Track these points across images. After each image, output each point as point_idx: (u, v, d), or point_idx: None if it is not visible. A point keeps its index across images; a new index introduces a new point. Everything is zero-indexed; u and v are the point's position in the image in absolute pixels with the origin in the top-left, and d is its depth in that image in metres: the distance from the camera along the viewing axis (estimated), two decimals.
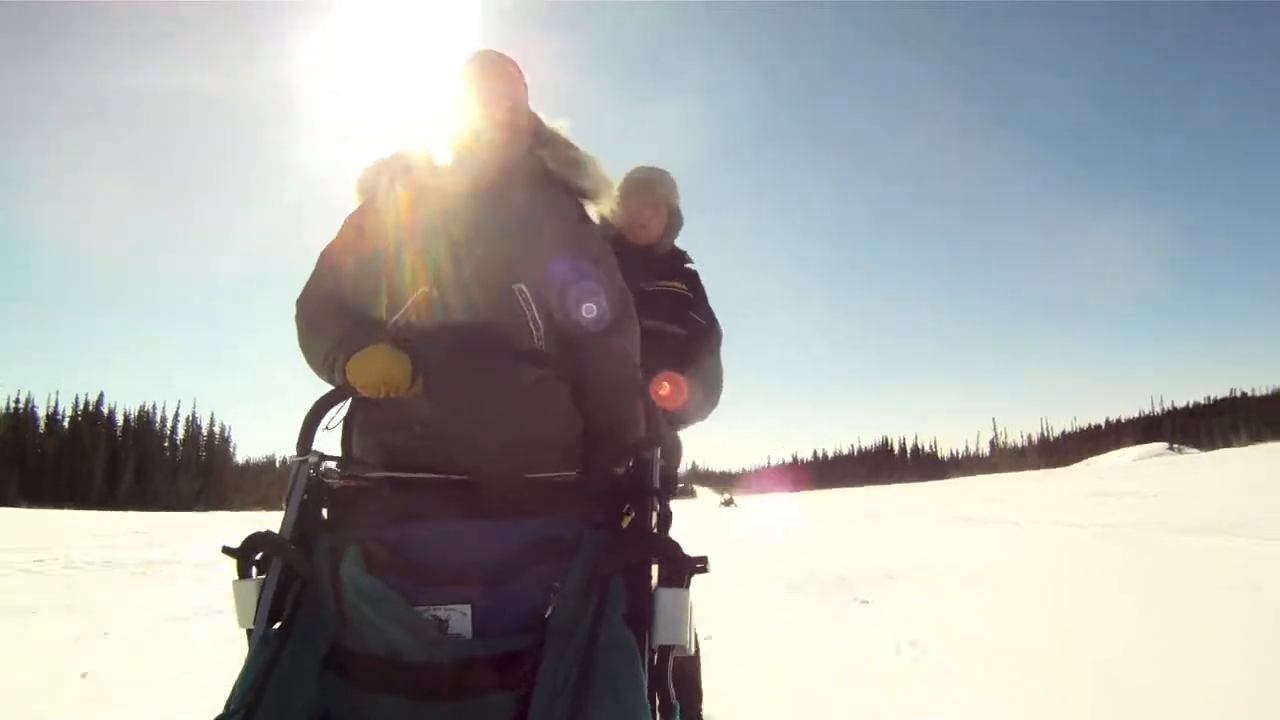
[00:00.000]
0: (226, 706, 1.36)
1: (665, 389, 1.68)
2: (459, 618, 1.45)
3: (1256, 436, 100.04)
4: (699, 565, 1.48)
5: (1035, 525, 13.19)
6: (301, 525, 1.58)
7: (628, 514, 1.58)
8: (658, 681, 1.42)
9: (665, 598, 1.45)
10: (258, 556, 1.55)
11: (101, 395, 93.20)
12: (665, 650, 1.45)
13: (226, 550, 1.56)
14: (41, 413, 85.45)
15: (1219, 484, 19.43)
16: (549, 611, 1.42)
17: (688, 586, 1.48)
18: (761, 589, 6.97)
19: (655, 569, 1.52)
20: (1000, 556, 8.81)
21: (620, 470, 1.66)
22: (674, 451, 2.39)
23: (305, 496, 1.60)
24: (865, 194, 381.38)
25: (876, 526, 15.85)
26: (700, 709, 2.66)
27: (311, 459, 1.62)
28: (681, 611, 1.44)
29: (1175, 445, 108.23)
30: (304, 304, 1.82)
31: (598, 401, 1.68)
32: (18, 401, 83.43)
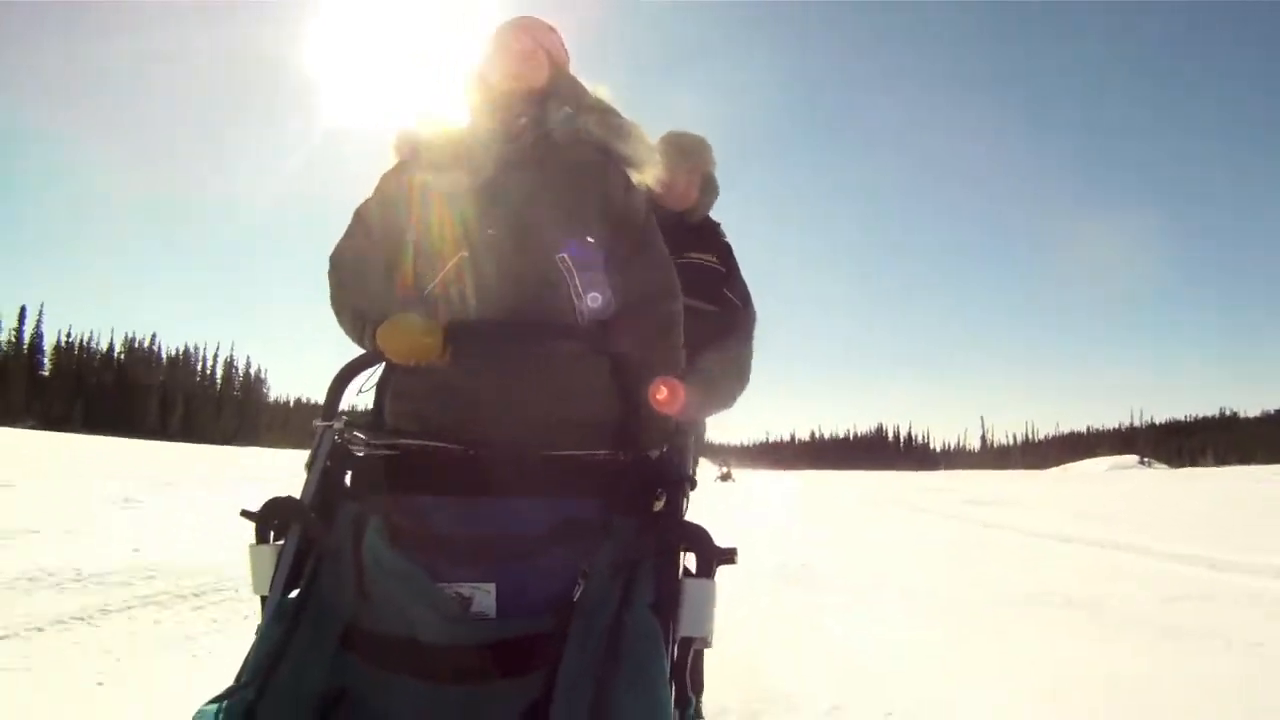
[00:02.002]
0: (238, 678, 1.28)
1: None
2: (483, 596, 1.36)
3: (1221, 460, 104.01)
4: (727, 556, 1.41)
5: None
6: (324, 492, 1.50)
7: (659, 498, 1.49)
8: (677, 673, 1.35)
9: (692, 588, 1.40)
10: (276, 522, 1.48)
11: (154, 335, 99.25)
12: (687, 642, 1.39)
13: (246, 514, 1.49)
14: (102, 348, 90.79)
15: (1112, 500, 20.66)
16: (577, 594, 1.33)
17: (714, 578, 1.42)
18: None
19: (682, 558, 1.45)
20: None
21: (654, 454, 1.57)
22: (699, 437, 2.24)
23: (328, 463, 1.52)
24: (873, 185, 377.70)
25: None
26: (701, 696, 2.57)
27: (336, 424, 1.54)
28: (708, 604, 1.40)
29: (1146, 459, 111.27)
30: (337, 262, 1.72)
31: (639, 379, 1.54)
32: (69, 338, 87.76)
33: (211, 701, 1.22)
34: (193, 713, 1.20)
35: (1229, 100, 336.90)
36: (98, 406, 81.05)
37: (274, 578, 1.41)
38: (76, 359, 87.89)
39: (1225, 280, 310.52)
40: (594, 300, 1.56)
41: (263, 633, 1.35)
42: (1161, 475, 54.63)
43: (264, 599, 1.42)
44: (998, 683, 3.35)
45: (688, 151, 2.31)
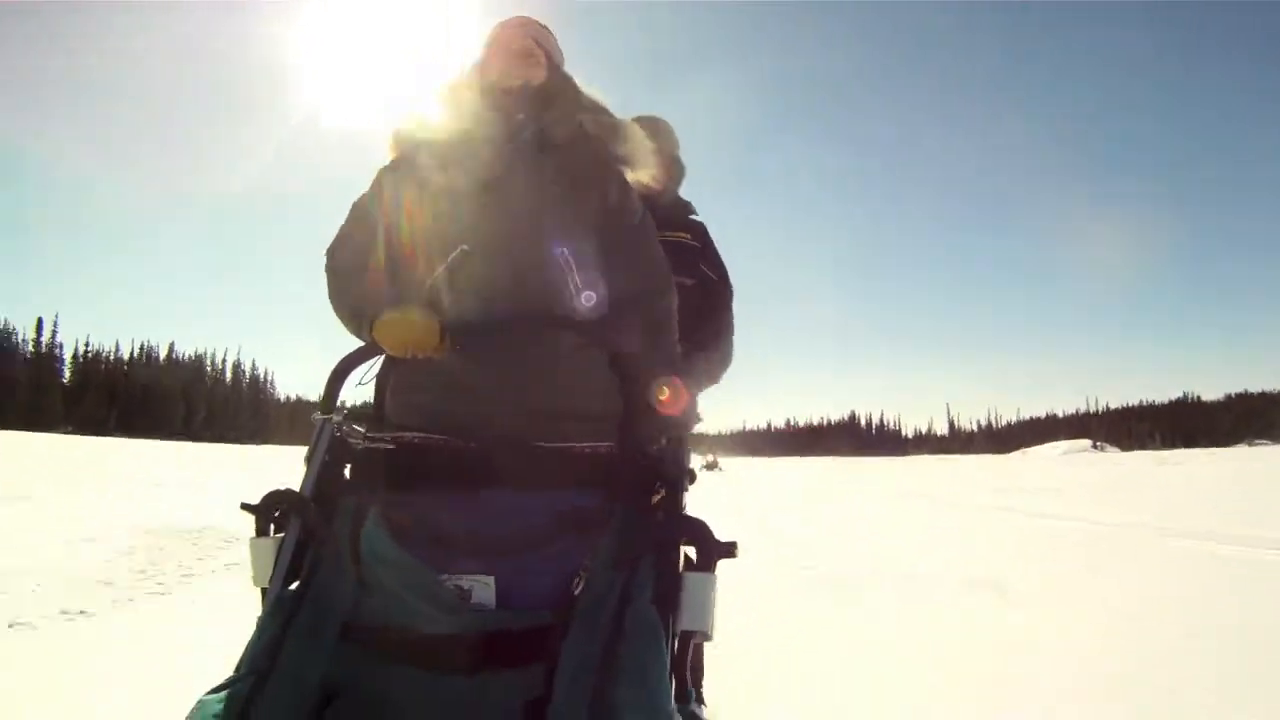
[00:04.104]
0: (237, 670, 1.24)
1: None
2: (482, 588, 1.32)
3: (1167, 442, 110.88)
4: (728, 551, 1.38)
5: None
6: (323, 485, 1.45)
7: (658, 492, 1.46)
8: (677, 666, 1.32)
9: (693, 582, 1.35)
10: (276, 514, 1.43)
11: (172, 344, 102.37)
12: (688, 636, 1.35)
13: (246, 507, 1.44)
14: (124, 355, 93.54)
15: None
16: (578, 587, 1.30)
17: (715, 571, 1.38)
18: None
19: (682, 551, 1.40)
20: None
21: (653, 448, 1.52)
22: (695, 417, 2.12)
23: (327, 456, 1.47)
24: (852, 179, 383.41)
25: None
26: (701, 688, 2.38)
27: (335, 417, 1.49)
28: (708, 598, 1.35)
29: (1099, 444, 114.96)
30: (334, 255, 1.67)
31: (637, 373, 1.51)
32: (88, 347, 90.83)
33: (212, 691, 1.19)
34: (194, 702, 1.17)
35: (1190, 87, 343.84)
36: (128, 412, 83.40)
37: (274, 570, 1.37)
38: (104, 367, 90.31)
39: (1189, 267, 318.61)
40: (588, 299, 1.52)
41: (262, 623, 1.31)
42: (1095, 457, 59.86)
43: (264, 591, 1.38)
44: None
45: (650, 136, 2.09)
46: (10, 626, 3.69)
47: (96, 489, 12.01)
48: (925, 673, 3.29)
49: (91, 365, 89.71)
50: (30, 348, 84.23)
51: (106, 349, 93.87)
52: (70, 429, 65.85)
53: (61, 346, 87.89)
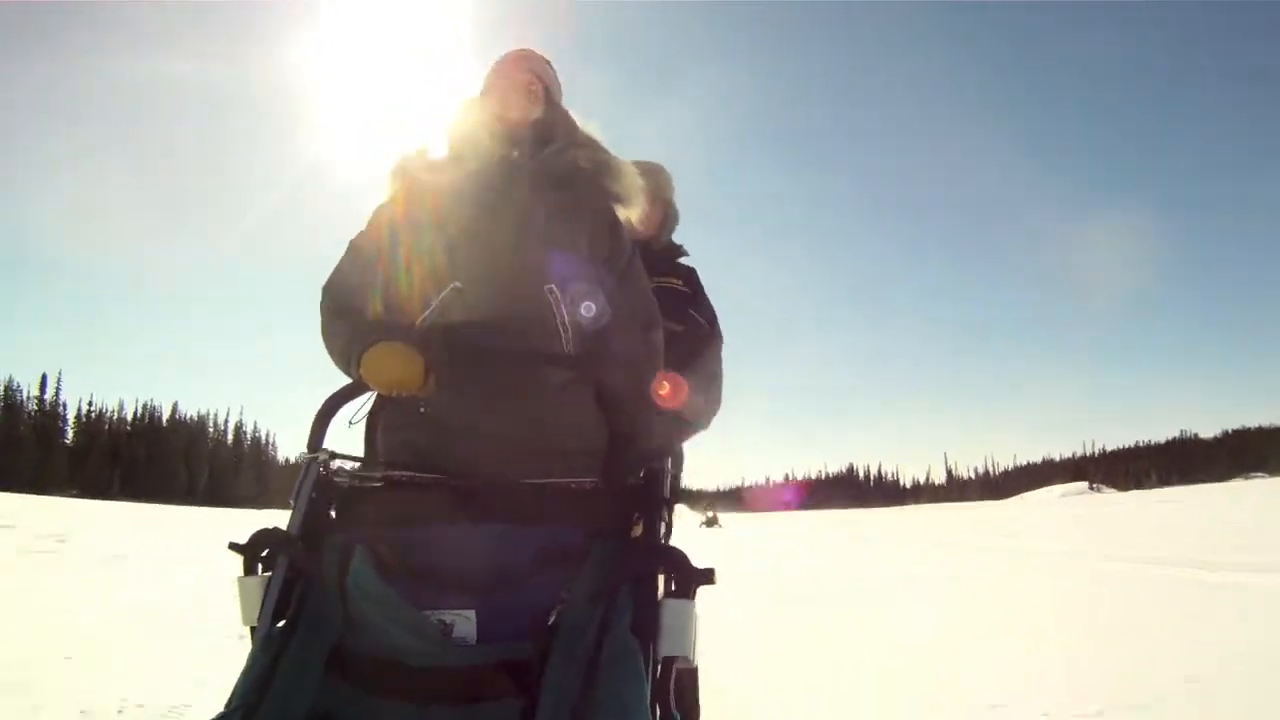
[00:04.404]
0: (228, 705, 1.25)
1: (665, 388, 1.53)
2: (464, 622, 1.34)
3: (1164, 480, 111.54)
4: (706, 577, 1.38)
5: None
6: (309, 524, 1.46)
7: (636, 523, 1.48)
8: (660, 693, 1.32)
9: (671, 609, 1.35)
10: (264, 554, 1.43)
11: (175, 404, 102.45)
12: (669, 662, 1.35)
13: (234, 547, 1.44)
14: (128, 415, 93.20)
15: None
16: (553, 618, 1.32)
17: (694, 598, 1.38)
18: None
19: (661, 580, 1.41)
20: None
21: (631, 480, 1.53)
22: (679, 461, 2.24)
23: (314, 495, 1.48)
24: (843, 221, 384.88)
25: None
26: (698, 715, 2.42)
27: (321, 456, 1.50)
28: (687, 623, 1.36)
29: (1095, 485, 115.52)
30: (330, 292, 1.68)
31: (621, 409, 1.54)
32: (90, 405, 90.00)
33: None
34: None
35: (1186, 118, 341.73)
36: (131, 474, 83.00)
37: (262, 608, 1.37)
38: (108, 428, 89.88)
39: (1185, 301, 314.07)
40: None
41: (252, 658, 1.31)
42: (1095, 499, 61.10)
43: (253, 630, 1.38)
44: None
45: (647, 181, 2.13)
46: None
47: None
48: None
49: (95, 425, 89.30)
50: (34, 405, 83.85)
51: (109, 408, 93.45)
52: (75, 492, 66.21)
53: (65, 405, 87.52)
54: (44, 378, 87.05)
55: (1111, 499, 60.57)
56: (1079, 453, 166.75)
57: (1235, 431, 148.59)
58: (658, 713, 1.31)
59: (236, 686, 1.29)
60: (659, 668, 1.33)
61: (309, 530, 1.46)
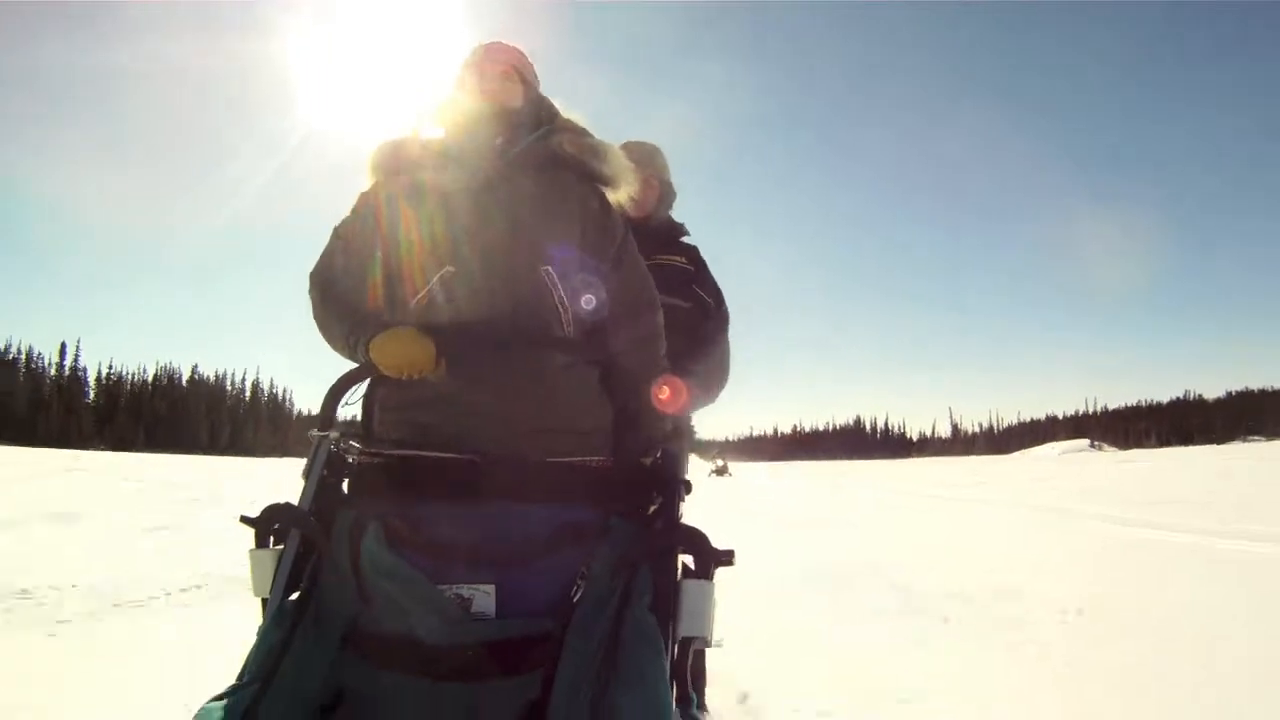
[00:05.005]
0: (239, 677, 1.24)
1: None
2: (483, 597, 1.32)
3: (1164, 440, 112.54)
4: (725, 558, 1.37)
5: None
6: (321, 500, 1.45)
7: (654, 502, 1.47)
8: (677, 672, 1.31)
9: (691, 589, 1.35)
10: (275, 527, 1.42)
11: (195, 366, 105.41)
12: (687, 642, 1.35)
13: (245, 520, 1.43)
14: (149, 378, 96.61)
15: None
16: (576, 595, 1.30)
17: (713, 579, 1.37)
18: None
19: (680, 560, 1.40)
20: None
21: (647, 460, 1.53)
22: (690, 437, 2.26)
23: (325, 472, 1.47)
24: (856, 185, 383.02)
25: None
26: (704, 694, 2.35)
27: (333, 434, 1.50)
28: (706, 604, 1.36)
29: (1096, 443, 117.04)
30: (317, 279, 1.66)
31: (627, 388, 1.53)
32: (110, 369, 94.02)
33: (214, 699, 1.18)
34: (195, 710, 1.16)
35: (1189, 85, 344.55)
36: (154, 430, 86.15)
37: (274, 580, 1.36)
38: (130, 388, 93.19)
39: (1193, 263, 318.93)
40: (588, 302, 1.53)
41: (263, 633, 1.30)
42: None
43: (264, 601, 1.37)
44: None
45: (641, 161, 2.14)
46: None
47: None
48: None
49: (116, 387, 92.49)
50: (53, 371, 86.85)
51: (129, 371, 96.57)
52: (103, 446, 68.51)
53: (85, 370, 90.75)
54: (63, 345, 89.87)
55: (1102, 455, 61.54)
56: (1082, 410, 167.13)
57: (1239, 393, 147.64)
58: (674, 692, 1.30)
59: (248, 659, 1.28)
60: (676, 648, 1.34)
61: (320, 506, 1.45)
